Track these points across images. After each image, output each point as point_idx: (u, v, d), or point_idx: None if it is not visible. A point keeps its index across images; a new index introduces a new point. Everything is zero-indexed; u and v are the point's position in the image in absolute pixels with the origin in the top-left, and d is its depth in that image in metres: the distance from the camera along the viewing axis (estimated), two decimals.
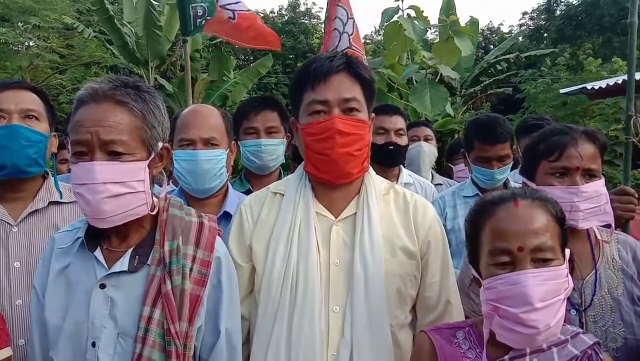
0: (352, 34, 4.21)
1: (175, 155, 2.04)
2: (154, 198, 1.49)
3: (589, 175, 1.66)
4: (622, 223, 1.99)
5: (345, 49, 3.99)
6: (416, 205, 1.71)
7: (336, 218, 1.65)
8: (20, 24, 12.89)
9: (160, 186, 1.79)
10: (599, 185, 1.67)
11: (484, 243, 1.36)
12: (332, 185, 1.67)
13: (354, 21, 4.27)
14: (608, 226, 1.73)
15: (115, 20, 11.85)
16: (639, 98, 2.74)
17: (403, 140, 3.01)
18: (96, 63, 13.92)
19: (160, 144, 1.47)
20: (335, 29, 4.14)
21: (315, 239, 1.61)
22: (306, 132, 1.63)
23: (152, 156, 1.44)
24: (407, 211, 1.69)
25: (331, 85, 1.59)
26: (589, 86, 8.22)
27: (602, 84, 7.93)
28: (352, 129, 1.59)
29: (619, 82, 7.45)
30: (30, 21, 12.32)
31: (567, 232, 1.37)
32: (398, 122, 2.99)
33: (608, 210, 1.69)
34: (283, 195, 1.71)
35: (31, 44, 13.93)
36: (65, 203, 2.00)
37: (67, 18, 12.64)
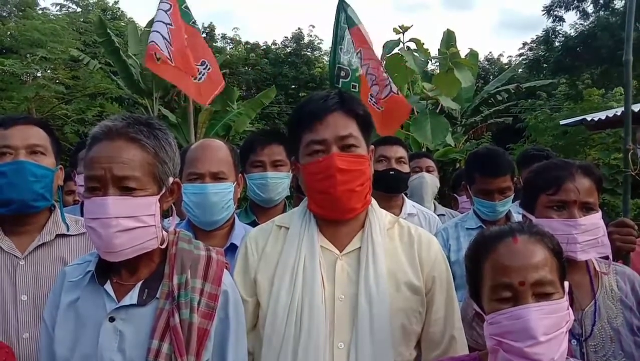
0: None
1: (184, 188, 2.06)
2: (164, 232, 1.52)
3: (586, 208, 1.71)
4: (622, 255, 2.02)
5: (388, 94, 4.12)
6: (421, 240, 1.71)
7: (341, 252, 1.65)
8: (27, 56, 13.15)
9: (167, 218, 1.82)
10: (596, 218, 1.72)
11: (486, 278, 1.38)
12: (336, 220, 1.68)
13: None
14: (606, 258, 1.77)
15: (121, 52, 12.06)
16: (639, 129, 2.80)
17: (404, 168, 3.06)
18: (101, 94, 14.12)
19: (171, 179, 1.51)
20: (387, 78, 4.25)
21: (320, 273, 1.61)
22: (307, 172, 1.65)
23: (163, 191, 1.48)
24: (411, 245, 1.70)
25: (327, 124, 1.61)
26: (588, 118, 8.30)
27: (602, 115, 8.01)
28: (352, 165, 1.61)
29: (618, 113, 7.54)
30: (37, 53, 12.58)
31: (565, 265, 1.40)
32: (399, 151, 3.07)
33: (605, 242, 1.73)
34: (288, 228, 1.72)
35: (38, 74, 14.17)
36: (72, 235, 2.02)
37: (73, 51, 12.89)
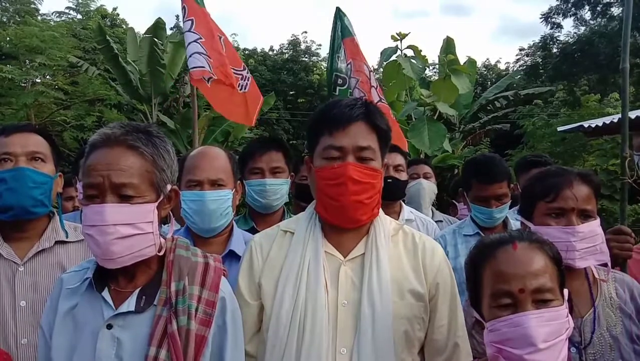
0: (377, 87, 4.35)
1: (182, 195, 2.07)
2: (161, 239, 1.52)
3: (584, 215, 1.71)
4: (619, 262, 2.03)
5: (377, 102, 4.15)
6: (425, 247, 1.71)
7: (345, 258, 1.66)
8: (27, 62, 13.16)
9: (165, 225, 1.82)
10: (594, 226, 1.72)
11: (485, 285, 1.38)
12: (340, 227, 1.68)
13: (373, 73, 4.42)
14: (605, 265, 1.77)
15: (120, 59, 12.09)
16: (637, 135, 2.81)
17: (402, 176, 3.08)
18: (100, 100, 14.11)
19: (168, 186, 1.51)
20: (372, 86, 4.27)
21: (324, 279, 1.61)
22: (320, 176, 1.64)
23: (161, 198, 1.48)
24: (415, 252, 1.69)
25: (348, 132, 1.61)
26: (585, 124, 8.32)
27: (599, 122, 8.03)
28: (365, 177, 1.61)
29: (615, 120, 7.55)
30: (36, 59, 12.59)
31: (564, 273, 1.40)
32: (397, 158, 3.09)
33: (604, 249, 1.73)
34: (293, 233, 1.72)
35: (37, 80, 14.17)
36: (71, 242, 2.03)
37: (72, 57, 12.90)
